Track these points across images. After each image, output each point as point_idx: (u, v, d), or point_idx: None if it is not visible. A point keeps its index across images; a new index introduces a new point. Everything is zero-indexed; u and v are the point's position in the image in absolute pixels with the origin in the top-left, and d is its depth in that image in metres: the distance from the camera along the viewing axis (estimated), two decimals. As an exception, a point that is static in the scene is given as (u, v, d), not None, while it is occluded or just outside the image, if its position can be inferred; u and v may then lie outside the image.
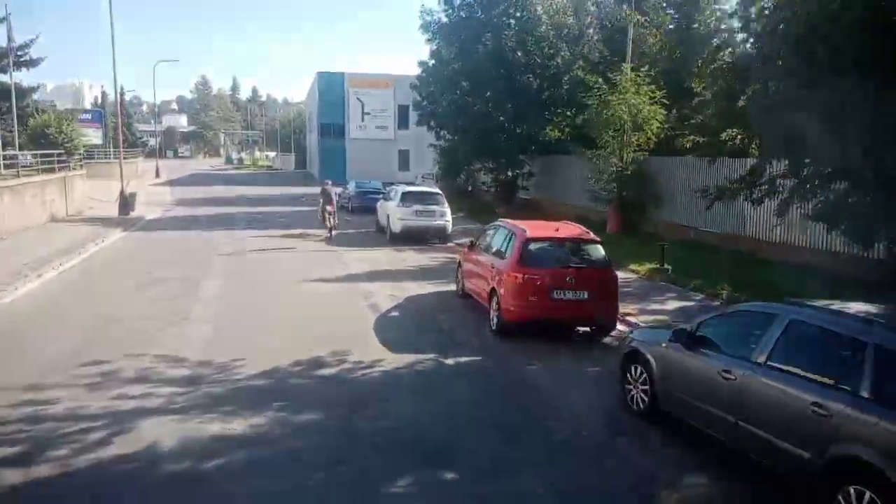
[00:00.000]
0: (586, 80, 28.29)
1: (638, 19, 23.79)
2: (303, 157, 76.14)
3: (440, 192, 22.52)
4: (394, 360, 9.24)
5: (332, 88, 55.48)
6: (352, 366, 8.96)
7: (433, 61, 32.60)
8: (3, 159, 25.83)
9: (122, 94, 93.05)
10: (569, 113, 30.20)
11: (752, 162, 15.86)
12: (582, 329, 10.81)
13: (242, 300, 13.05)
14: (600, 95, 22.14)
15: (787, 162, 11.02)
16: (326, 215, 22.42)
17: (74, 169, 29.86)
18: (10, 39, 33.17)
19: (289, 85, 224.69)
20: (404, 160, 54.47)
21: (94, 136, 54.69)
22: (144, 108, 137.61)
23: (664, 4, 28.11)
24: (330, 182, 24.29)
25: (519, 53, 28.41)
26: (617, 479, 6.23)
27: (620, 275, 11.63)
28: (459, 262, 13.72)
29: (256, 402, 7.59)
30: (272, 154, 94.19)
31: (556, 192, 29.49)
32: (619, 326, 10.86)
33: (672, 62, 25.94)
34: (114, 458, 6.19)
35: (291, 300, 13.15)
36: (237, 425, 6.94)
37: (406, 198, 21.37)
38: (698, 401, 6.39)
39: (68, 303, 12.76)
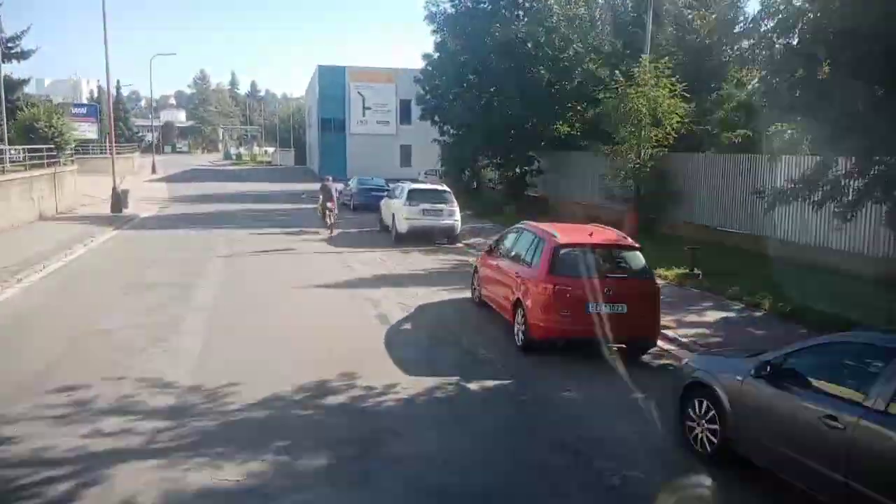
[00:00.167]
0: (597, 73, 27.30)
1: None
2: (302, 153, 74.91)
3: (448, 189, 21.35)
4: (409, 385, 8.10)
5: (332, 82, 54.16)
6: (362, 392, 7.82)
7: (438, 54, 31.40)
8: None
9: (118, 89, 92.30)
10: (579, 107, 29.21)
11: (794, 160, 14.80)
12: (616, 345, 9.67)
13: (239, 309, 11.89)
14: (617, 88, 20.96)
15: (853, 159, 9.81)
16: (327, 212, 21.44)
17: (65, 164, 28.65)
18: (-1, 30, 32.04)
19: (288, 80, 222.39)
20: (406, 156, 53.22)
21: (88, 130, 53.49)
22: (143, 103, 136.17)
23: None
24: (330, 178, 23.30)
25: (529, 45, 27.19)
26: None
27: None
28: (475, 267, 12.59)
29: (253, 441, 6.44)
30: (271, 149, 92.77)
31: (567, 189, 28.31)
32: (659, 342, 9.75)
33: (693, 53, 24.91)
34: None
35: (292, 309, 12.00)
36: (229, 473, 5.80)
37: (413, 196, 20.20)
38: (791, 450, 5.25)
39: (47, 312, 11.62)
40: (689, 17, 26.77)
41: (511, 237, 11.15)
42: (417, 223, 19.92)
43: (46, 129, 27.18)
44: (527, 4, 28.81)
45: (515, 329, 9.74)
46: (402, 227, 20.09)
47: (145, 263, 16.11)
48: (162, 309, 11.50)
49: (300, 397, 7.61)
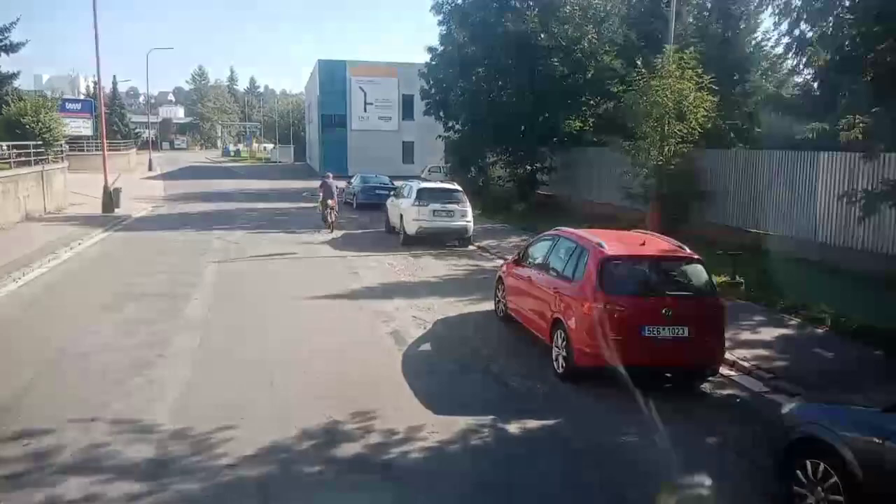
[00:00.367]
0: (611, 64, 25.96)
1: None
2: (302, 149, 73.64)
3: (460, 189, 20.00)
4: (438, 427, 6.76)
5: (333, 77, 52.73)
6: (382, 439, 6.48)
7: (444, 46, 30.01)
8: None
9: (114, 85, 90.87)
10: (592, 101, 27.87)
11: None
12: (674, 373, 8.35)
13: (234, 326, 10.51)
14: (640, 80, 19.61)
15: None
16: (327, 210, 20.17)
17: (54, 161, 27.26)
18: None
19: (287, 75, 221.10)
20: (409, 152, 51.87)
21: (84, 126, 52.16)
22: (141, 99, 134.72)
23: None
24: (331, 175, 22.00)
25: (542, 36, 25.80)
26: None
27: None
28: (499, 277, 11.24)
29: (249, 512, 5.14)
30: (270, 146, 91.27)
31: (580, 188, 26.96)
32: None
33: (715, 44, 23.54)
34: None
35: (295, 326, 10.65)
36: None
37: (422, 195, 18.83)
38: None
39: (18, 330, 10.31)
40: (709, 5, 25.50)
41: (544, 245, 9.80)
42: (427, 225, 18.58)
43: (33, 125, 25.78)
44: (538, -7, 27.45)
45: (554, 353, 8.40)
46: (411, 228, 18.75)
47: (133, 270, 14.78)
48: (147, 327, 10.15)
49: (307, 446, 6.27)
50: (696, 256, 8.26)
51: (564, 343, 8.12)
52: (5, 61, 35.84)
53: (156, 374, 8.12)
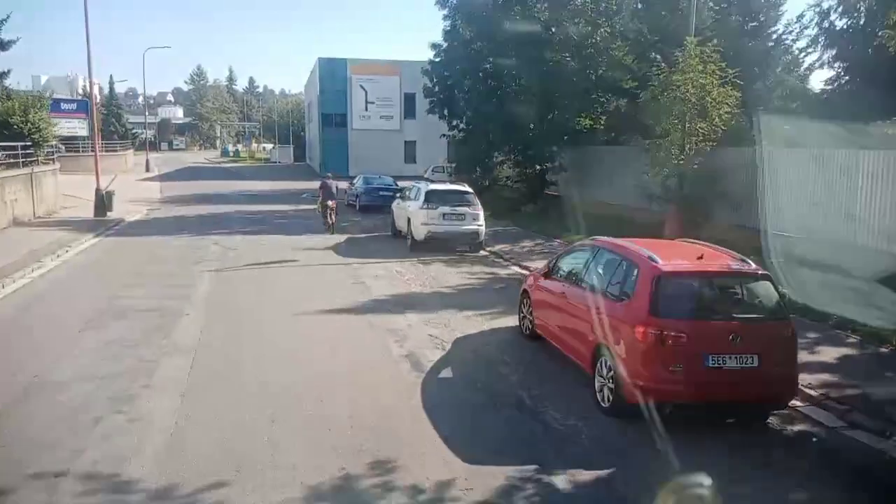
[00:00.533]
0: (624, 59, 24.89)
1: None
2: (302, 150, 72.52)
3: (471, 190, 18.90)
4: (471, 480, 5.65)
5: (333, 75, 51.59)
6: (406, 499, 5.36)
7: (448, 42, 28.87)
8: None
9: (111, 85, 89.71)
10: (604, 99, 26.81)
11: None
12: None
13: (229, 350, 9.36)
14: (660, 75, 18.53)
15: None
16: (327, 212, 19.20)
17: (45, 163, 26.13)
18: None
19: (287, 75, 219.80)
20: (411, 152, 50.76)
21: (79, 127, 51.01)
22: (140, 99, 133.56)
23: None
24: (331, 175, 20.91)
25: (553, 30, 24.69)
26: None
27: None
28: (524, 290, 10.14)
29: None
30: (270, 146, 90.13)
31: (593, 188, 25.79)
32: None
33: (734, 37, 22.42)
34: None
35: (297, 347, 9.54)
36: None
37: (431, 198, 17.72)
38: None
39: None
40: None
41: (579, 256, 8.69)
42: (437, 229, 17.47)
43: (21, 125, 24.65)
44: (548, -15, 26.31)
45: (597, 384, 7.29)
46: (420, 233, 17.65)
47: (122, 281, 13.66)
48: (133, 350, 9.05)
49: (316, 511, 5.19)
50: (763, 272, 7.13)
51: (610, 374, 7.01)
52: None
53: (138, 413, 7.01)
